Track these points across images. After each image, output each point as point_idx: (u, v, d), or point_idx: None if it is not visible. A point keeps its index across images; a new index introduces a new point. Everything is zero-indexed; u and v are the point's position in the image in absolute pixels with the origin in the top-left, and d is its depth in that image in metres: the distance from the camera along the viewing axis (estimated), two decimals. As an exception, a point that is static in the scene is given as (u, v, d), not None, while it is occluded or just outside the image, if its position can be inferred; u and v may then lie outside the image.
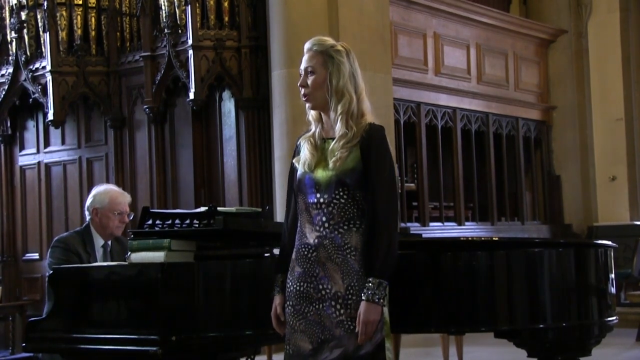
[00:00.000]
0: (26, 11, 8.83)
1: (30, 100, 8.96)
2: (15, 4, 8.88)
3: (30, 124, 9.51)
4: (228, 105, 8.39)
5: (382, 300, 2.82)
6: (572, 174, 11.59)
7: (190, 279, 3.32)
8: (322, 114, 3.00)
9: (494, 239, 3.87)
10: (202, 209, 3.45)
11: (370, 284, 2.82)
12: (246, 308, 3.39)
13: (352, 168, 2.89)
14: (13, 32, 8.92)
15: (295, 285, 2.93)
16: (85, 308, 3.49)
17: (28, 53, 8.86)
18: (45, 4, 8.58)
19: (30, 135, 9.54)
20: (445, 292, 3.30)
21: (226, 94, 8.38)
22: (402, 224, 8.78)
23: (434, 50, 9.91)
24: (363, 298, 2.82)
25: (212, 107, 8.44)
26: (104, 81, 8.80)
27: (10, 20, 8.98)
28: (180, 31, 8.20)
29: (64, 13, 8.63)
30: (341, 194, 2.90)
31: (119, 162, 8.83)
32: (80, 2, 8.67)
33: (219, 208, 3.44)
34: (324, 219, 2.90)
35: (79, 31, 8.69)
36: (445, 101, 10.08)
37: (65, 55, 8.67)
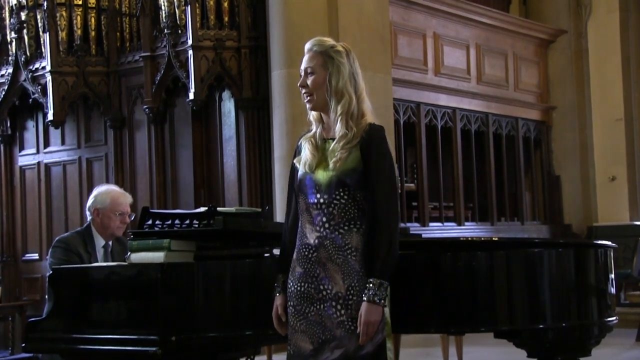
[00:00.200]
0: (26, 11, 8.83)
1: (30, 100, 8.96)
2: (15, 4, 8.88)
3: (30, 124, 9.51)
4: (228, 106, 8.40)
5: (383, 301, 2.82)
6: (572, 174, 11.59)
7: (190, 279, 3.32)
8: (323, 115, 3.00)
9: (493, 239, 3.87)
10: (202, 209, 3.45)
11: (371, 285, 2.82)
12: (246, 308, 3.39)
13: (352, 168, 2.90)
14: (13, 33, 8.92)
15: (296, 286, 2.94)
16: (85, 308, 3.49)
17: (28, 53, 8.86)
18: (45, 4, 8.58)
19: (30, 135, 9.54)
20: (445, 292, 3.30)
21: (226, 94, 8.38)
22: (402, 224, 8.78)
23: (433, 50, 9.91)
24: (364, 299, 2.82)
25: (212, 107, 8.44)
26: (103, 81, 8.81)
27: (10, 20, 8.98)
28: (180, 31, 8.20)
29: (63, 13, 8.63)
30: (342, 194, 2.90)
31: (118, 163, 8.83)
32: (80, 3, 8.67)
33: (218, 208, 3.44)
34: (324, 219, 2.91)
35: (79, 31, 8.69)
36: (445, 101, 10.08)
37: (65, 55, 8.67)
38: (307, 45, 3.00)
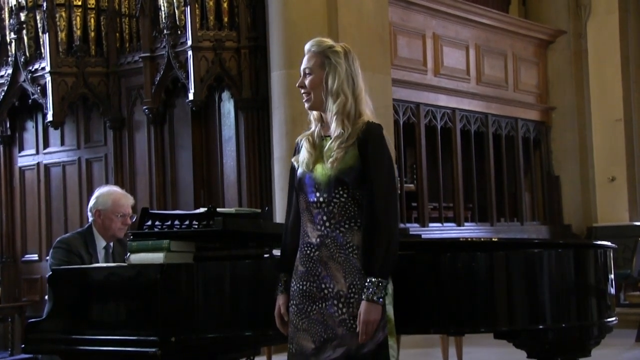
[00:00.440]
0: (25, 12, 8.83)
1: (30, 101, 8.96)
2: (15, 5, 8.88)
3: (30, 124, 9.51)
4: (227, 106, 8.40)
5: (382, 300, 2.83)
6: (572, 174, 11.59)
7: (190, 280, 3.32)
8: (322, 114, 3.01)
9: (493, 239, 3.86)
10: (202, 210, 3.45)
11: (369, 284, 2.83)
12: (245, 309, 3.39)
13: (350, 166, 2.90)
14: (12, 33, 8.92)
15: (298, 285, 2.94)
16: (85, 309, 3.49)
17: (27, 54, 8.86)
18: (45, 5, 8.58)
19: (29, 136, 9.54)
20: (444, 293, 3.30)
21: (225, 95, 8.38)
22: (402, 225, 8.78)
23: (433, 51, 9.91)
24: (363, 298, 2.83)
25: (212, 107, 8.44)
26: (103, 82, 8.81)
27: (9, 21, 8.98)
28: (179, 32, 8.20)
29: (63, 14, 8.63)
30: (341, 192, 2.91)
31: (118, 163, 8.83)
32: (80, 3, 8.67)
33: (218, 209, 3.44)
34: (324, 218, 2.91)
35: (78, 32, 8.69)
36: (445, 102, 10.08)
37: (65, 56, 8.67)
38: (307, 46, 3.02)
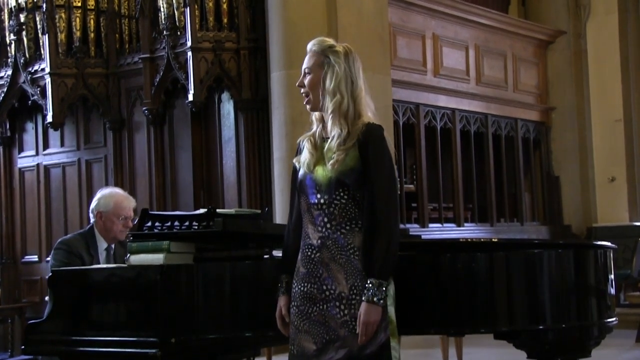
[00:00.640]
0: (25, 13, 8.84)
1: (29, 102, 8.96)
2: (14, 6, 8.89)
3: (29, 126, 9.51)
4: (227, 107, 8.40)
5: (382, 301, 2.82)
6: (571, 174, 11.59)
7: (190, 281, 3.32)
8: (324, 114, 3.01)
9: (493, 240, 3.86)
10: (201, 210, 3.45)
11: (370, 285, 2.83)
12: (245, 310, 3.39)
13: (351, 167, 2.89)
14: (12, 34, 8.92)
15: (299, 286, 2.94)
16: (85, 310, 3.49)
17: (27, 55, 8.86)
18: (44, 6, 8.58)
19: (29, 137, 9.54)
20: (444, 293, 3.30)
21: (225, 96, 8.38)
22: (402, 226, 8.77)
23: (432, 51, 9.91)
24: (363, 299, 2.83)
25: (211, 108, 8.44)
26: (103, 83, 8.81)
27: (9, 22, 8.98)
28: (179, 33, 8.20)
29: (62, 15, 8.63)
30: (341, 194, 2.90)
31: (118, 164, 8.83)
32: (79, 4, 8.68)
33: (218, 210, 3.44)
34: (325, 219, 2.91)
35: (78, 33, 8.69)
36: (444, 102, 10.08)
37: (64, 57, 8.67)
38: (308, 46, 3.02)
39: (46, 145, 9.40)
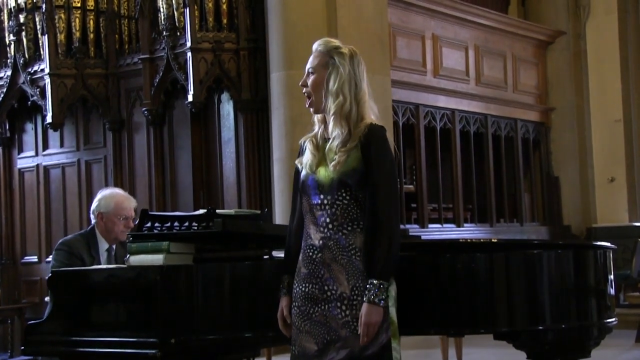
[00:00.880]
0: (24, 14, 8.83)
1: (29, 102, 8.95)
2: (14, 7, 8.88)
3: (29, 126, 9.51)
4: (227, 108, 8.39)
5: (383, 302, 2.83)
6: (571, 175, 11.60)
7: (189, 282, 3.32)
8: (326, 116, 3.01)
9: (493, 240, 3.86)
10: (201, 211, 3.45)
11: (371, 286, 2.83)
12: (245, 310, 3.39)
13: (353, 168, 2.90)
14: (11, 35, 8.91)
15: (301, 287, 2.94)
16: (85, 311, 3.49)
17: (26, 56, 8.86)
18: (44, 6, 8.58)
19: (28, 137, 9.53)
20: (444, 293, 3.30)
21: (225, 96, 8.38)
22: (401, 226, 8.77)
23: (432, 52, 9.92)
24: (364, 300, 2.83)
25: (211, 109, 8.43)
26: (102, 83, 8.81)
27: (8, 22, 8.98)
28: (178, 33, 8.20)
29: (62, 16, 8.63)
30: (344, 194, 2.90)
31: (117, 165, 8.83)
32: (79, 5, 8.67)
33: (217, 210, 3.44)
34: (327, 220, 2.91)
35: (78, 34, 8.69)
36: (444, 103, 10.08)
37: (64, 57, 8.67)
38: (314, 46, 3.02)
39: (46, 146, 9.39)
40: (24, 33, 8.85)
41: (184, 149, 8.50)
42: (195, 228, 3.38)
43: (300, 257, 2.98)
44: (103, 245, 4.48)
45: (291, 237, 3.06)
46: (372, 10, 8.11)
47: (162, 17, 8.29)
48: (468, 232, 10.16)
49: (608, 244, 3.67)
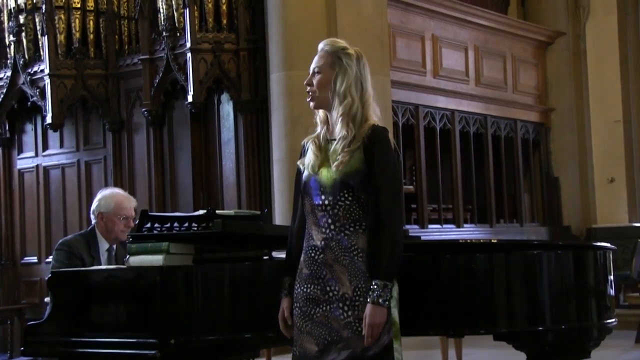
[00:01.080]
0: (24, 14, 8.83)
1: (29, 103, 8.95)
2: (14, 8, 8.88)
3: (29, 127, 9.51)
4: (226, 108, 8.39)
5: (387, 302, 2.83)
6: (571, 175, 11.59)
7: (189, 282, 3.32)
8: (328, 115, 3.01)
9: (492, 241, 3.87)
10: (201, 212, 3.45)
11: (375, 286, 2.83)
12: (245, 311, 3.38)
13: (356, 169, 2.90)
14: (11, 36, 8.92)
15: (302, 287, 2.94)
16: (84, 311, 3.49)
17: (26, 56, 8.86)
18: (44, 7, 8.58)
19: (28, 138, 9.53)
20: (444, 294, 3.30)
21: (225, 97, 8.38)
22: (401, 226, 8.77)
23: (432, 52, 9.91)
24: (368, 300, 2.83)
25: (211, 109, 8.43)
26: (102, 84, 8.80)
27: (8, 23, 8.98)
28: (178, 34, 8.20)
29: (62, 16, 8.63)
30: (346, 195, 2.91)
31: (117, 165, 8.83)
32: (79, 6, 8.67)
33: (217, 211, 3.44)
34: (329, 220, 2.91)
35: (78, 34, 8.69)
36: (444, 103, 10.08)
37: (64, 58, 8.66)
38: (320, 45, 3.03)
39: (45, 147, 9.39)
40: (23, 34, 8.85)
41: (183, 150, 8.50)
42: (195, 229, 3.38)
43: (301, 258, 2.98)
44: (103, 245, 4.47)
45: (292, 238, 3.06)
46: (372, 10, 8.11)
47: (162, 18, 8.29)
48: (468, 232, 10.16)
49: (608, 245, 3.68)
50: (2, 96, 9.04)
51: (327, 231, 2.91)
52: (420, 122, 9.75)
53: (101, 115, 8.88)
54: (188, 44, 8.00)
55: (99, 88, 8.79)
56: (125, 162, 8.80)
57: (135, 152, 8.78)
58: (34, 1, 8.76)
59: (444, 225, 9.96)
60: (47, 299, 3.69)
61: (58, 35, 8.63)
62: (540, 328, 3.36)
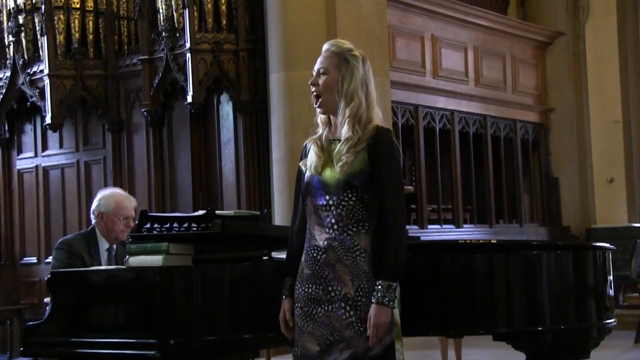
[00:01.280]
0: (24, 15, 8.83)
1: (28, 103, 8.95)
2: (13, 8, 8.88)
3: (28, 127, 9.51)
4: (226, 109, 8.39)
5: (392, 303, 2.84)
6: (570, 176, 11.60)
7: (189, 283, 3.32)
8: (331, 116, 3.01)
9: (492, 241, 3.87)
10: (200, 212, 3.45)
11: (379, 287, 2.84)
12: (245, 311, 3.38)
13: (359, 170, 2.90)
14: (11, 36, 8.91)
15: (303, 287, 2.94)
16: (84, 312, 3.49)
17: (26, 57, 8.86)
18: (43, 7, 8.58)
19: (28, 139, 9.53)
20: (443, 294, 3.30)
21: (224, 97, 8.38)
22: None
23: (431, 52, 9.92)
24: (373, 301, 2.83)
25: (210, 110, 8.43)
26: (101, 84, 8.80)
27: (7, 23, 8.98)
28: (178, 34, 8.20)
29: (61, 17, 8.63)
30: (350, 195, 2.91)
31: (117, 166, 8.82)
32: (78, 6, 8.67)
33: (217, 211, 3.44)
34: (332, 220, 2.91)
35: (77, 35, 8.69)
36: (443, 104, 10.08)
37: (63, 58, 8.66)
38: (325, 46, 3.02)
39: (45, 147, 9.39)
40: (23, 34, 8.85)
41: (183, 150, 8.50)
42: (195, 229, 3.38)
43: (303, 258, 2.97)
44: (103, 245, 4.47)
45: (293, 239, 3.06)
46: (372, 11, 8.10)
47: (162, 18, 8.29)
48: (467, 233, 10.16)
49: (607, 245, 3.68)
50: (1, 96, 9.04)
51: (330, 231, 2.91)
52: (420, 123, 9.75)
53: (100, 116, 8.88)
54: (187, 45, 8.00)
55: (99, 88, 8.79)
56: (125, 163, 8.80)
57: (134, 153, 8.78)
58: (34, 1, 8.76)
59: (444, 226, 9.96)
60: (46, 300, 3.69)
61: (57, 35, 8.63)
62: (540, 328, 3.37)
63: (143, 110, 8.49)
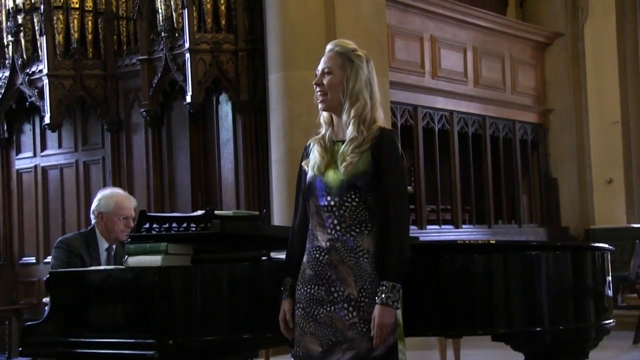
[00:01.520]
0: (23, 14, 8.83)
1: (27, 103, 8.95)
2: (12, 8, 8.88)
3: (27, 127, 9.50)
4: (225, 109, 8.39)
5: (395, 303, 2.84)
6: (569, 176, 11.60)
7: (188, 283, 3.31)
8: (334, 116, 3.01)
9: (491, 242, 3.87)
10: (199, 212, 3.45)
11: (384, 287, 2.84)
12: (244, 311, 3.38)
13: (363, 171, 2.90)
14: (10, 36, 8.91)
15: (305, 288, 2.94)
16: (83, 312, 3.49)
17: (25, 56, 8.85)
18: (42, 7, 8.57)
19: (27, 138, 9.53)
20: (442, 295, 3.30)
21: (223, 97, 8.38)
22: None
23: (430, 53, 9.92)
24: (377, 301, 2.84)
25: (209, 110, 8.43)
26: (100, 84, 8.80)
27: (6, 23, 8.98)
28: (177, 34, 8.20)
29: (60, 16, 8.62)
30: (353, 196, 2.91)
31: (116, 166, 8.82)
32: (77, 6, 8.67)
33: (216, 211, 3.43)
34: (335, 221, 2.91)
35: (76, 34, 8.69)
36: (442, 104, 10.09)
37: (62, 58, 8.66)
38: (329, 46, 3.02)
39: (44, 147, 9.39)
40: (22, 34, 8.85)
41: (182, 150, 8.50)
42: (194, 229, 3.37)
43: (305, 259, 2.97)
44: (103, 245, 4.47)
45: (294, 239, 3.06)
46: (371, 11, 8.10)
47: (161, 18, 8.29)
48: (466, 233, 10.16)
49: (606, 246, 3.68)
50: (0, 96, 9.03)
51: (333, 232, 2.91)
52: (419, 123, 9.76)
53: (99, 116, 8.88)
54: (186, 45, 8.00)
55: (98, 88, 8.79)
56: (124, 163, 8.80)
57: (133, 153, 8.77)
58: (33, 1, 8.76)
59: (443, 226, 9.97)
60: (45, 300, 3.69)
61: (56, 35, 8.63)
62: (539, 329, 3.37)
63: (142, 110, 8.49)
